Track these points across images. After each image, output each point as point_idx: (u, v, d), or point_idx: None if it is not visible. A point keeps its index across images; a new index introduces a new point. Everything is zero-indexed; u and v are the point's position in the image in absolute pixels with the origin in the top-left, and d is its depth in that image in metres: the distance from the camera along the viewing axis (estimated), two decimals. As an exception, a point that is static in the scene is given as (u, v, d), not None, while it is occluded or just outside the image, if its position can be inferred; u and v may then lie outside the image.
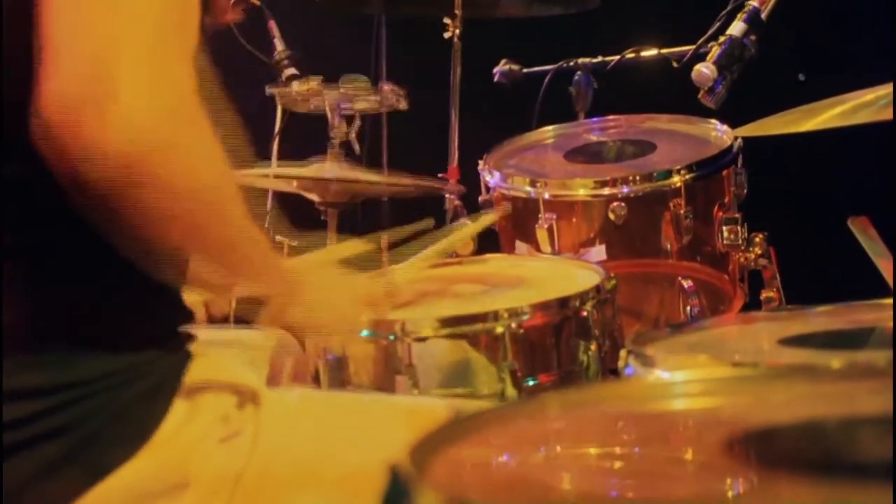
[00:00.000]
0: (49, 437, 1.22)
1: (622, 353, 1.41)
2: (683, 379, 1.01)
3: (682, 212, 2.31)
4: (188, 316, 1.40)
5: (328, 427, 1.40)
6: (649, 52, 2.80)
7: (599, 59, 2.87)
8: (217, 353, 1.40)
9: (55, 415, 1.22)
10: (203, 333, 1.40)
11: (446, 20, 2.91)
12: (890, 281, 1.76)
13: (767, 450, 0.88)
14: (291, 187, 2.77)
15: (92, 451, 1.23)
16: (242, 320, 2.39)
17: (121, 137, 1.14)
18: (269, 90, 2.82)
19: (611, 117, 2.70)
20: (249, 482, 1.30)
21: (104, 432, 1.24)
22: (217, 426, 1.31)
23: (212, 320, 1.96)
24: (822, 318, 1.57)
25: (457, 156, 2.88)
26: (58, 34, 1.16)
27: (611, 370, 1.86)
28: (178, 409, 1.29)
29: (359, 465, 1.34)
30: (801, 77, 2.85)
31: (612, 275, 1.97)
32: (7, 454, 1.21)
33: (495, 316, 1.85)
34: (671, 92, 2.54)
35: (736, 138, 2.42)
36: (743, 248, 2.40)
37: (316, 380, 1.89)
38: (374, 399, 1.63)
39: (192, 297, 1.82)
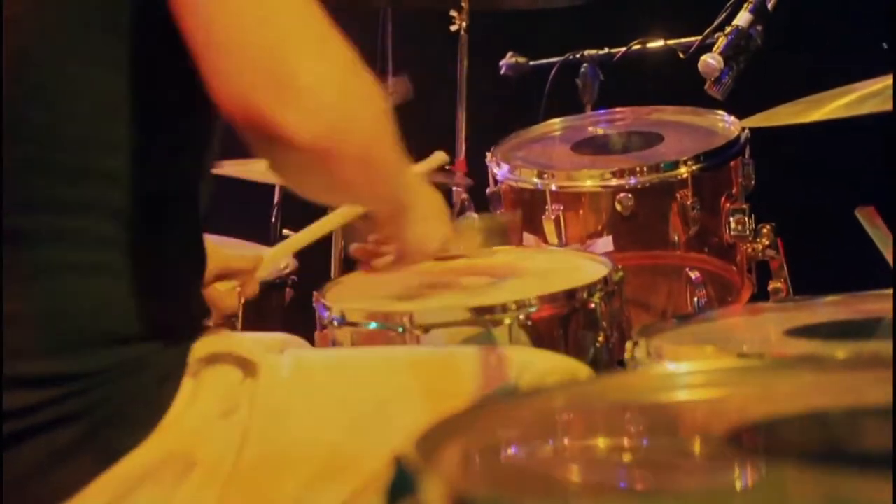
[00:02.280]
0: (60, 424, 1.22)
1: (628, 344, 1.42)
2: (690, 370, 1.01)
3: (689, 203, 2.31)
4: (204, 308, 1.41)
5: (323, 393, 1.40)
6: (656, 44, 2.80)
7: (606, 50, 2.87)
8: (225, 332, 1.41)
9: (66, 402, 1.23)
10: (213, 334, 1.40)
11: (452, 13, 2.91)
12: (897, 271, 1.76)
13: (774, 441, 0.88)
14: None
15: (102, 437, 1.24)
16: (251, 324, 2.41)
17: (308, 119, 1.19)
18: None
19: (618, 109, 2.69)
20: (252, 458, 1.30)
21: (115, 418, 1.25)
22: (219, 402, 1.31)
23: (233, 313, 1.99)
24: (829, 309, 1.57)
25: (464, 148, 2.88)
26: (220, 33, 1.20)
27: (618, 361, 1.86)
28: (185, 387, 1.29)
29: (364, 438, 1.35)
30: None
31: (619, 266, 1.98)
32: (18, 441, 1.22)
33: (503, 308, 1.85)
34: (678, 83, 2.54)
35: (743, 129, 2.41)
36: (750, 238, 2.39)
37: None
38: (375, 354, 1.63)
39: (224, 286, 1.85)
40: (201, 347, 1.33)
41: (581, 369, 1.61)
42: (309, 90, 1.19)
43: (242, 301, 1.97)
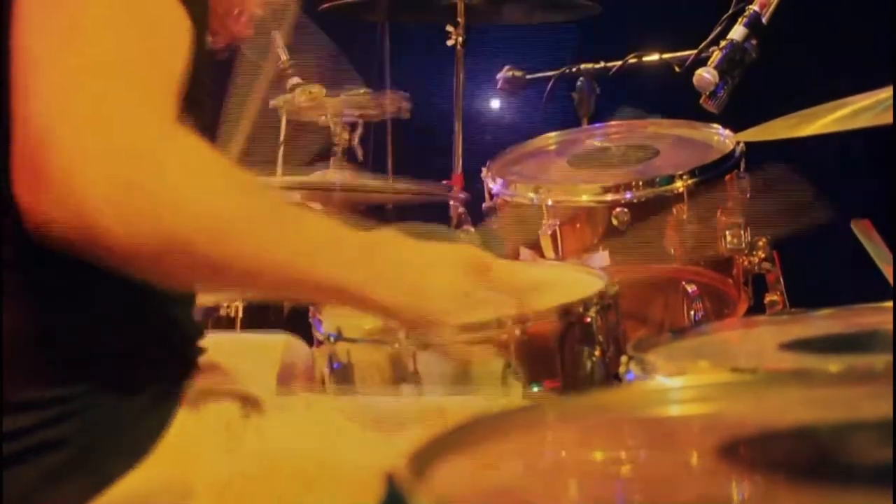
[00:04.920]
0: (51, 448, 1.22)
1: (623, 358, 1.42)
2: (684, 384, 1.01)
3: (685, 217, 2.32)
4: (198, 330, 1.41)
5: (331, 434, 1.40)
6: (651, 58, 2.81)
7: (602, 64, 2.88)
8: (223, 362, 1.41)
9: (57, 425, 1.22)
10: (212, 338, 1.41)
11: (449, 28, 2.92)
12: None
13: (768, 455, 0.89)
14: (296, 198, 2.78)
15: (94, 461, 1.24)
16: (251, 324, 2.42)
17: (61, 211, 1.06)
18: (272, 102, 2.83)
19: (613, 123, 2.70)
20: (252, 491, 1.30)
21: (107, 442, 1.24)
22: (220, 435, 1.31)
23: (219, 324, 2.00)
24: (824, 322, 1.57)
25: (461, 163, 2.89)
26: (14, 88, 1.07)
27: (615, 376, 1.86)
28: (182, 418, 1.29)
29: (362, 473, 1.35)
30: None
31: (615, 280, 1.98)
32: (9, 464, 1.21)
33: (499, 323, 1.85)
34: (673, 97, 2.55)
35: (738, 143, 2.42)
36: (746, 252, 2.40)
37: (323, 385, 1.89)
38: (380, 403, 1.63)
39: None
40: (200, 381, 1.33)
41: None
42: (62, 180, 1.03)
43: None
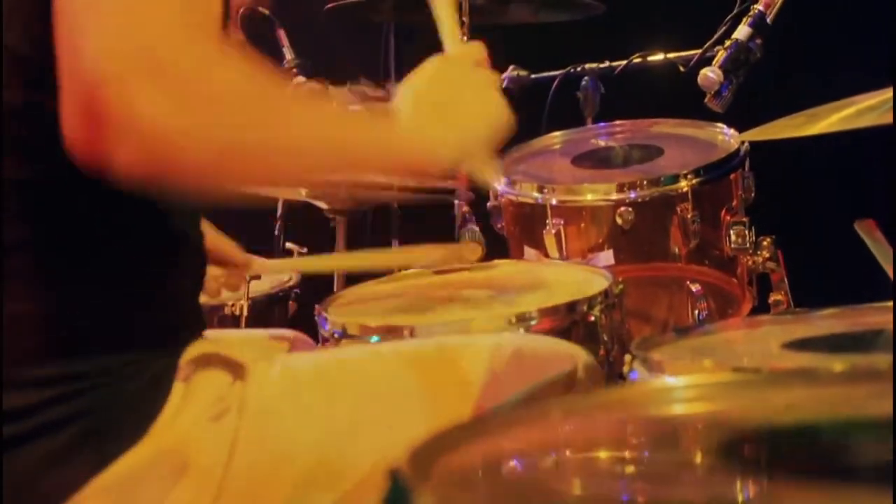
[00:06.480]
0: (53, 428, 1.23)
1: (627, 357, 1.42)
2: (688, 384, 1.01)
3: (689, 216, 2.32)
4: (200, 318, 1.42)
5: (312, 395, 1.40)
6: (656, 57, 2.81)
7: (606, 64, 2.88)
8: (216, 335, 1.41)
9: (59, 406, 1.24)
10: (217, 334, 1.41)
11: (454, 27, 2.92)
12: (897, 283, 1.76)
13: (772, 454, 0.89)
14: (300, 196, 2.78)
15: (96, 442, 1.25)
16: (257, 323, 2.43)
17: (127, 150, 1.11)
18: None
19: (618, 122, 2.70)
20: (242, 461, 1.31)
21: (108, 423, 1.26)
22: (210, 405, 1.32)
23: (229, 288, 2.02)
24: (827, 322, 1.57)
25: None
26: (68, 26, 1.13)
27: (619, 375, 1.87)
28: (176, 391, 1.30)
29: (357, 443, 1.35)
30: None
31: (619, 279, 1.98)
32: (12, 445, 1.22)
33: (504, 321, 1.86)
34: (678, 96, 2.55)
35: (743, 142, 2.42)
36: (751, 251, 2.40)
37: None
38: (368, 355, 1.61)
39: (211, 271, 1.86)
40: (191, 349, 1.34)
41: (580, 353, 1.61)
42: (124, 117, 1.09)
43: (223, 292, 2.00)
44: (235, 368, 1.37)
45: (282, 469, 1.33)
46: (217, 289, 1.98)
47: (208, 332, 1.43)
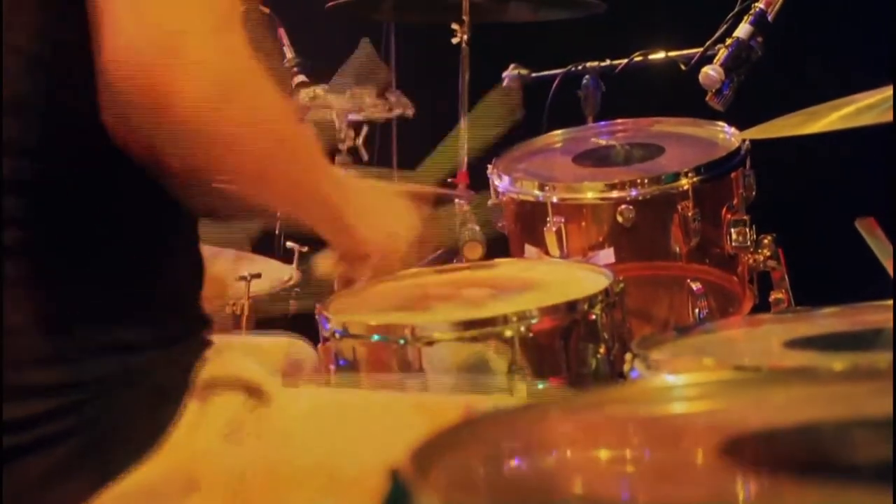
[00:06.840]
0: (58, 439, 1.23)
1: (628, 356, 1.42)
2: (689, 382, 1.01)
3: (690, 214, 2.32)
4: (203, 318, 1.41)
5: (337, 427, 1.40)
6: (657, 56, 2.81)
7: (607, 62, 2.88)
8: (230, 353, 1.41)
9: (64, 416, 1.23)
10: (218, 339, 1.41)
11: (454, 26, 2.92)
12: (897, 281, 1.76)
13: (773, 453, 0.89)
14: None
15: (101, 454, 1.24)
16: (261, 326, 2.43)
17: (196, 84, 1.18)
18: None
19: (619, 121, 2.70)
20: (255, 482, 1.30)
21: (114, 434, 1.25)
22: (225, 427, 1.32)
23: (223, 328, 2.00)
24: (828, 320, 1.57)
25: (466, 160, 2.89)
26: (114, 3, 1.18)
27: (619, 373, 1.87)
28: (190, 409, 1.30)
29: (367, 466, 1.35)
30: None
31: (620, 278, 1.98)
32: (16, 455, 1.21)
33: (504, 320, 1.85)
34: (679, 95, 2.55)
35: (744, 140, 2.42)
36: (752, 249, 2.40)
37: (328, 382, 1.90)
38: (386, 398, 1.63)
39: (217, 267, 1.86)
40: (208, 371, 1.33)
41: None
42: (198, 61, 1.18)
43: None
44: (254, 391, 1.36)
45: (293, 492, 1.33)
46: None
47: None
